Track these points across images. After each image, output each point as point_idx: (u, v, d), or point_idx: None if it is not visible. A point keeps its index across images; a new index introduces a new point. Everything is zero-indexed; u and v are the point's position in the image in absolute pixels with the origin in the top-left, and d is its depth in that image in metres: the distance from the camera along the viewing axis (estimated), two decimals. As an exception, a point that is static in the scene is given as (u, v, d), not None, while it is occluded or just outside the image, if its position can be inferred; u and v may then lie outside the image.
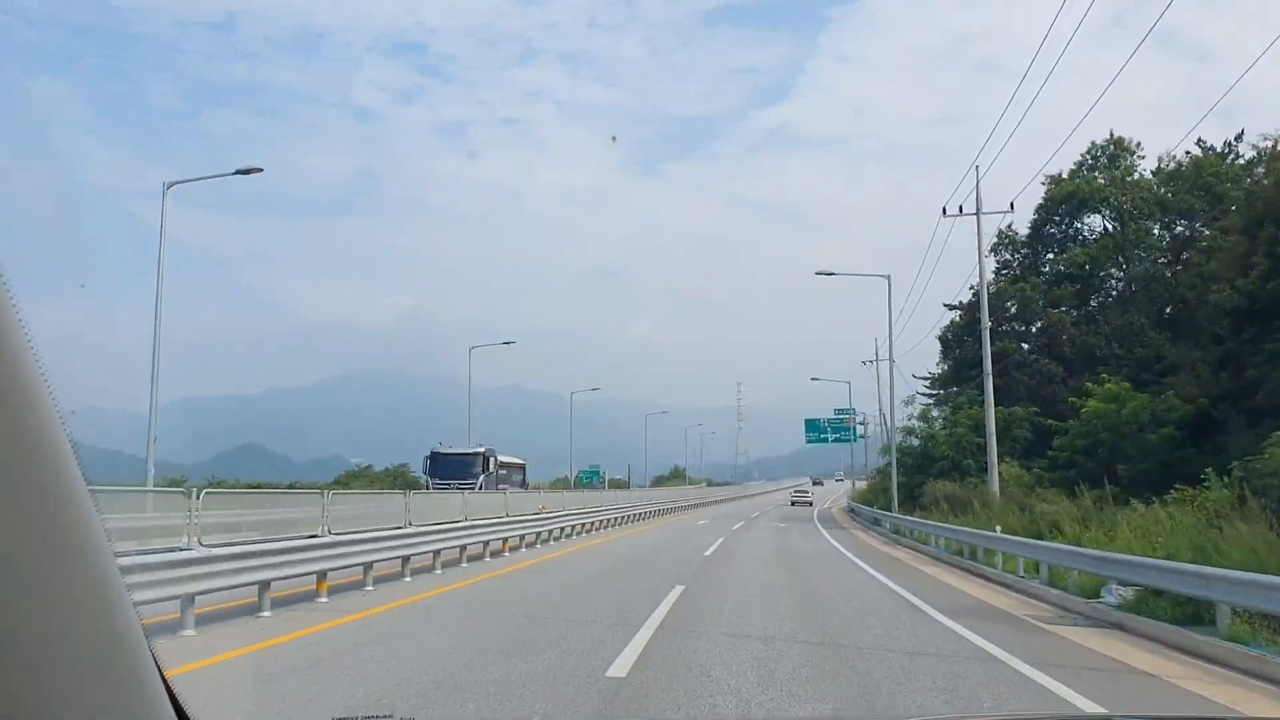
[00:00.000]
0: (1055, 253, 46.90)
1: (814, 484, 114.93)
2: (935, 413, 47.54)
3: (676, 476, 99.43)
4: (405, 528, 17.78)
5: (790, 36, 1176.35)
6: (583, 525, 30.93)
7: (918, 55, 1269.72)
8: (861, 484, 77.21)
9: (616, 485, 73.60)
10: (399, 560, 16.15)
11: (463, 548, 19.41)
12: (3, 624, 0.74)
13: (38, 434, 0.80)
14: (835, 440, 68.01)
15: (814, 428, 64.87)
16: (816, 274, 40.10)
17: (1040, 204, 46.14)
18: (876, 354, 51.64)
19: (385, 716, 2.04)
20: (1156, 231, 44.21)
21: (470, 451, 43.08)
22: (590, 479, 75.45)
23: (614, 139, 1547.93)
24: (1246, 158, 40.03)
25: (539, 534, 25.59)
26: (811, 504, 74.56)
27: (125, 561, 0.95)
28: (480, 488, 36.93)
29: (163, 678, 0.96)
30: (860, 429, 66.18)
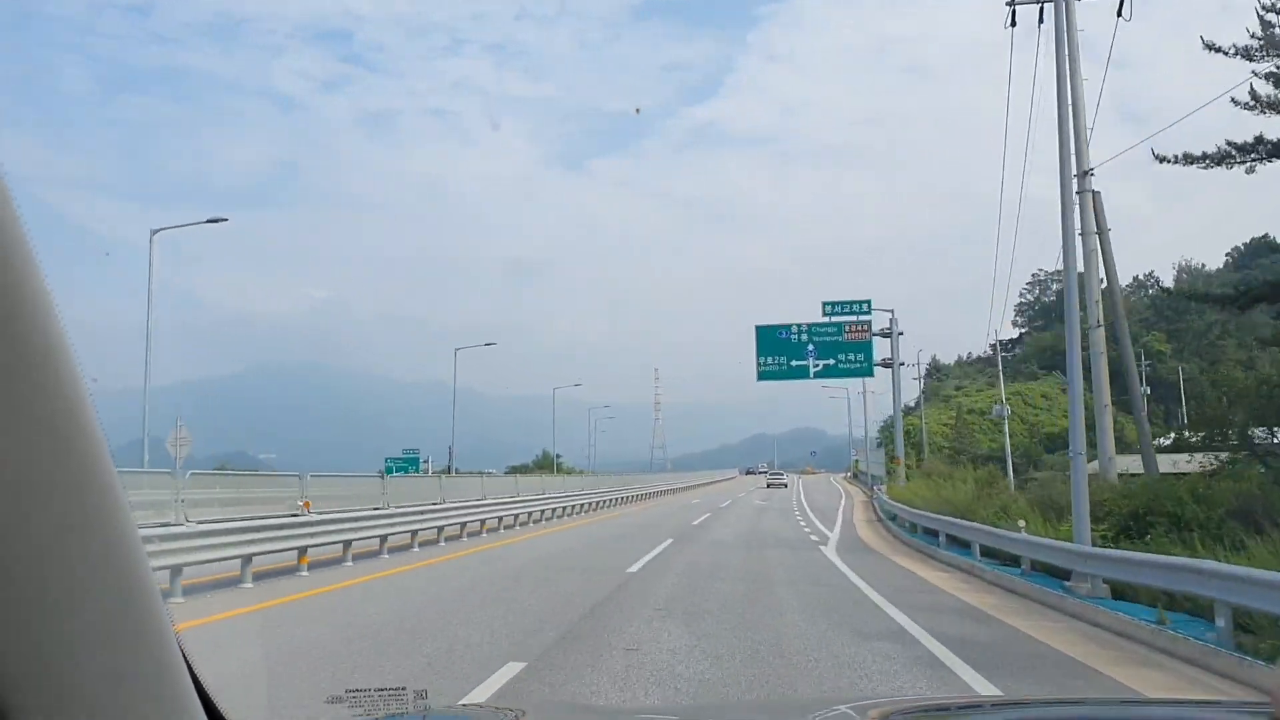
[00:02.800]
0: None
1: (773, 485, 77.90)
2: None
3: (544, 466, 72.08)
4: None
5: (720, 34, 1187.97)
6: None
7: (846, 55, 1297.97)
8: (840, 475, 75.23)
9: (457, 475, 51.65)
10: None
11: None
12: (40, 615, 0.75)
13: (73, 424, 0.80)
14: (828, 369, 36.91)
15: (774, 342, 36.29)
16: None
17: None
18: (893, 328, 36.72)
19: (399, 689, 2.07)
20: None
21: None
22: (405, 469, 48.78)
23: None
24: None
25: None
26: (786, 485, 75.53)
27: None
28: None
29: (193, 673, 0.97)
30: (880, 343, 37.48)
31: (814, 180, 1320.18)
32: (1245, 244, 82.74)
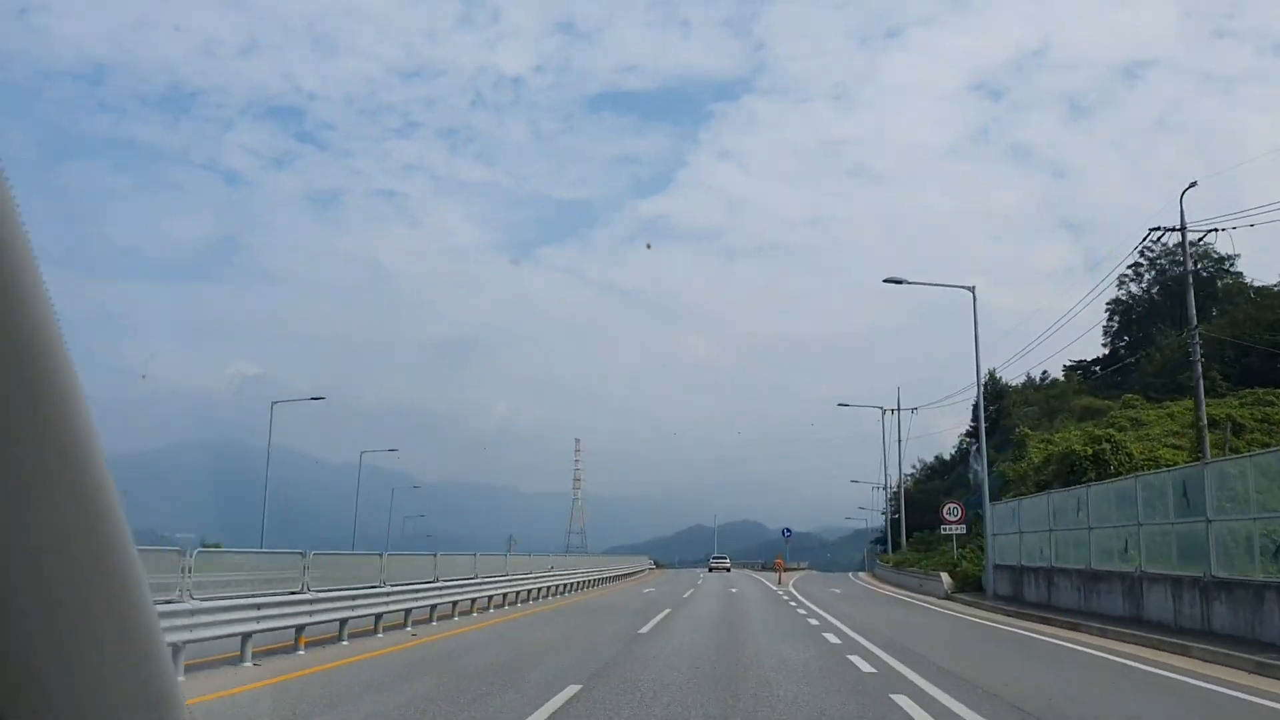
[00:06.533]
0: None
1: (715, 569, 78.80)
2: None
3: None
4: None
5: (673, 129, 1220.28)
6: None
7: (793, 156, 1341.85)
8: (859, 574, 65.01)
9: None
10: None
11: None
12: (34, 623, 0.76)
13: (69, 428, 0.79)
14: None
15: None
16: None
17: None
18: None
19: None
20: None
21: None
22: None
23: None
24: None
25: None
26: (728, 570, 76.89)
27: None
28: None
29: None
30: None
31: (756, 276, 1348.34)
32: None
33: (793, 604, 30.30)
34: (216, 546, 47.26)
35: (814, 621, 22.51)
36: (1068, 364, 75.88)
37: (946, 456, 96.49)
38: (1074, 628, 21.24)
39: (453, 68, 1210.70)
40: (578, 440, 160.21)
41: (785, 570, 62.04)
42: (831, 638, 18.12)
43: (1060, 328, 78.41)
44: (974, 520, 41.70)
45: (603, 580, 45.87)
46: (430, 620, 20.88)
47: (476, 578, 25.30)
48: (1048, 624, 22.73)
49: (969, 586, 35.21)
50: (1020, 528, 30.27)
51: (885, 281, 32.84)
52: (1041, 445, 51.96)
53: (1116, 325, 77.34)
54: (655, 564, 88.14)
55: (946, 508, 41.41)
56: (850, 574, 73.76)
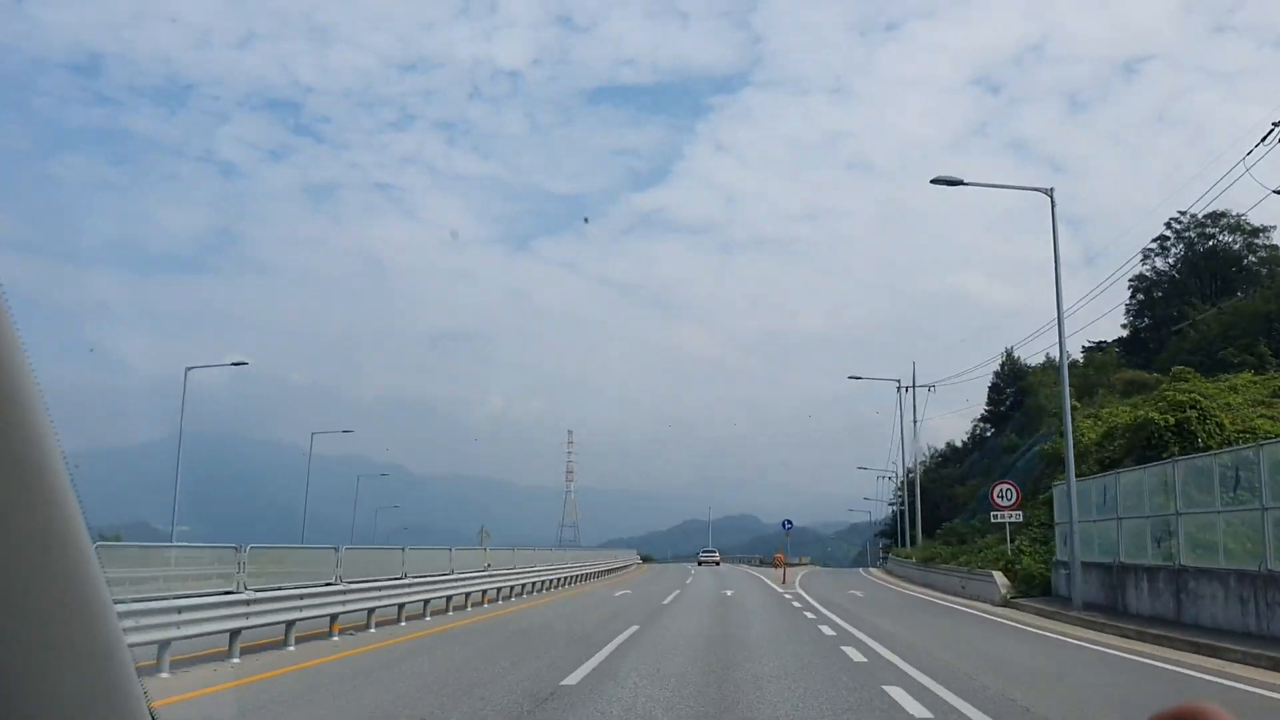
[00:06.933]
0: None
1: (704, 563, 76.61)
2: None
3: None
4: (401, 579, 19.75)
5: (671, 122, 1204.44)
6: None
7: (791, 149, 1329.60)
8: (869, 570, 60.79)
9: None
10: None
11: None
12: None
13: (23, 426, 0.75)
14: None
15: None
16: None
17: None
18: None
19: None
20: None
21: None
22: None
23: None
24: None
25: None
26: (718, 564, 74.00)
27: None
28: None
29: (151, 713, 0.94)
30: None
31: (753, 269, 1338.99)
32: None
33: (809, 615, 22.23)
34: (116, 539, 41.49)
35: (853, 653, 14.06)
36: (1086, 344, 71.62)
37: (959, 443, 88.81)
38: (1252, 660, 13.64)
39: (450, 60, 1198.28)
40: (570, 433, 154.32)
41: (788, 566, 54.10)
42: (899, 695, 10.22)
43: (1082, 305, 71.42)
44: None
45: (572, 579, 36.80)
46: (399, 621, 18.26)
47: (399, 578, 20.30)
48: (1197, 651, 15.13)
49: (1033, 589, 27.47)
50: (1118, 512, 22.42)
51: (933, 182, 25.14)
52: (1090, 422, 44.65)
53: (1138, 304, 73.12)
54: (643, 559, 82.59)
55: (997, 489, 33.42)
56: (860, 570, 66.10)
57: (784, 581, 40.63)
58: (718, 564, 74.93)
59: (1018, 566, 29.48)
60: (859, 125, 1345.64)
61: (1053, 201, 24.86)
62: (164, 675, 10.99)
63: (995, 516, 32.92)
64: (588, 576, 41.38)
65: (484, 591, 24.43)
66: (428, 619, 19.76)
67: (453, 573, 22.87)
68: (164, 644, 11.39)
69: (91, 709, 0.82)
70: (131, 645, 3.44)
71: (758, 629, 18.81)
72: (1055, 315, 25.38)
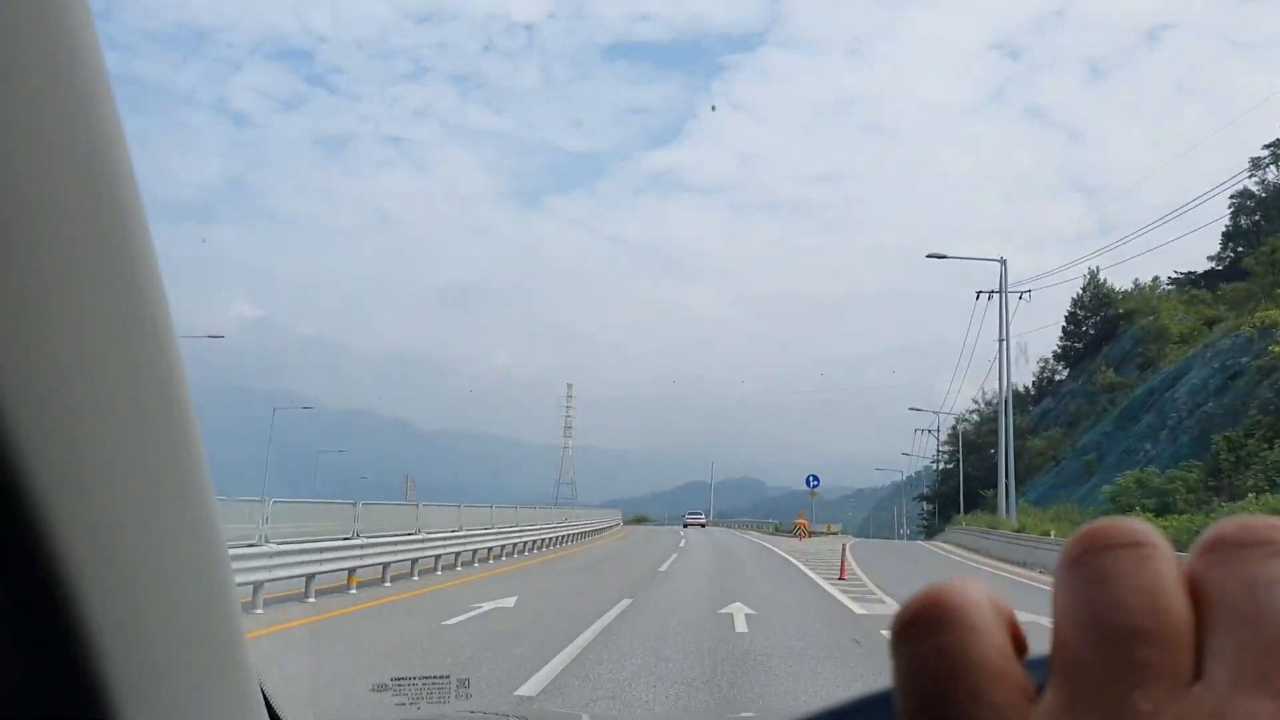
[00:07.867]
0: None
1: (690, 525, 73.39)
2: None
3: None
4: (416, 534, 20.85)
5: (686, 80, 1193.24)
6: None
7: (807, 110, 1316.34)
8: (932, 543, 46.62)
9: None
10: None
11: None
12: (139, 614, 0.72)
13: (178, 425, 0.75)
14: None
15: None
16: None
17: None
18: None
19: (442, 677, 2.28)
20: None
21: None
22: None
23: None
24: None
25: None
26: (704, 526, 73.34)
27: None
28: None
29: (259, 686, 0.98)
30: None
31: (767, 231, 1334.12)
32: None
33: None
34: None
35: None
36: (1173, 275, 66.92)
37: (1022, 388, 73.77)
38: None
39: (465, 12, 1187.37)
40: (570, 386, 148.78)
41: (810, 535, 41.83)
42: None
43: (1175, 218, 55.45)
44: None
45: (510, 550, 26.16)
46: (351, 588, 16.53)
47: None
48: None
49: None
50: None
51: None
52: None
53: (1234, 226, 62.61)
54: (636, 520, 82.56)
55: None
56: (921, 542, 51.68)
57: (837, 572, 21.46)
58: (703, 525, 74.61)
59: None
60: (878, 88, 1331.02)
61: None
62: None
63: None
64: (543, 544, 30.36)
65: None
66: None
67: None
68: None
69: (213, 691, 0.86)
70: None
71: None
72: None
